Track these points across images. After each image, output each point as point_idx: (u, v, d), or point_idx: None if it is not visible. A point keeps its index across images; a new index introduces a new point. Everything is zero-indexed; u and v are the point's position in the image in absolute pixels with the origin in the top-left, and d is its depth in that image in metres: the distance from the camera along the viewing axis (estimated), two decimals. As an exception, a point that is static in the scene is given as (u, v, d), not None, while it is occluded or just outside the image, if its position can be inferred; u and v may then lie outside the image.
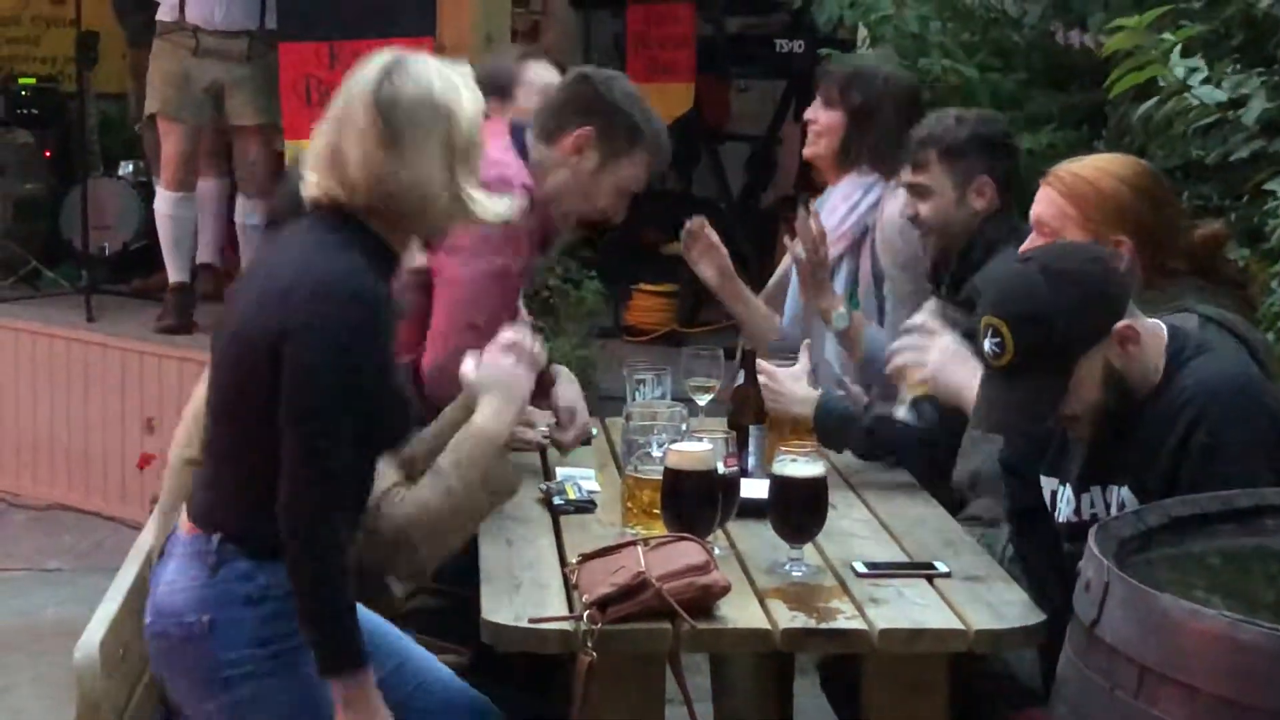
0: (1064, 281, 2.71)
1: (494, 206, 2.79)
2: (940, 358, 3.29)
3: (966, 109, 3.98)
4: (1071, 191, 3.18)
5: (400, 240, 2.76)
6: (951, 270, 3.70)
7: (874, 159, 4.04)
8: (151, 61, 6.56)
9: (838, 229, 4.02)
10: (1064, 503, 2.88)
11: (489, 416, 3.02)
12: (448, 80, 2.72)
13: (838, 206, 4.08)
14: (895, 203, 3.92)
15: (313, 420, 2.60)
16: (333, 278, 2.64)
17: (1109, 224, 3.13)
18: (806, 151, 4.13)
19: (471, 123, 2.73)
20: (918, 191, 3.73)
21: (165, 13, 6.49)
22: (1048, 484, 2.91)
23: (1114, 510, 2.74)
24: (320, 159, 2.71)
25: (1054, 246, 2.98)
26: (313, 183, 2.71)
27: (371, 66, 2.72)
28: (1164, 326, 2.79)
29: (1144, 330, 2.72)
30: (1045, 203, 3.23)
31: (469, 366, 3.11)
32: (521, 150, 3.62)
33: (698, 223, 4.13)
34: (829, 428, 3.48)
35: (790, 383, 3.51)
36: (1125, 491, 2.76)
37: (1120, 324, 2.69)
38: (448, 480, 2.97)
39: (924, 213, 3.73)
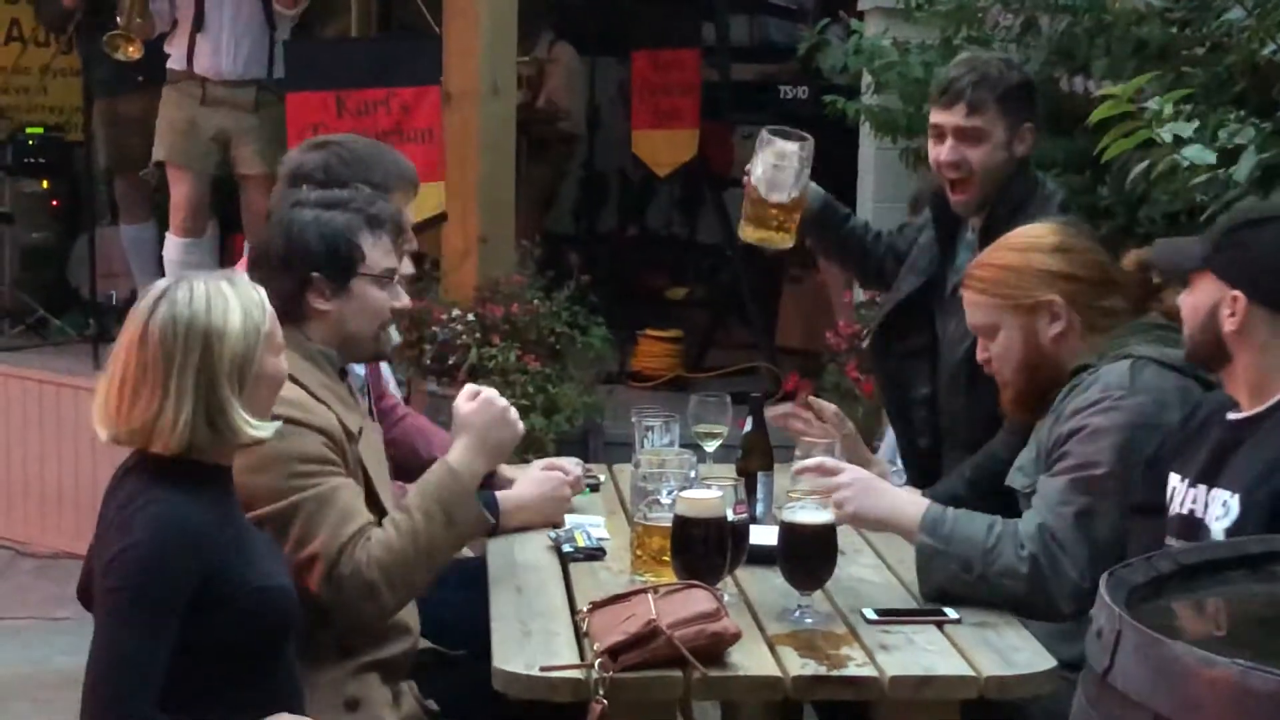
0: None
1: (263, 431, 2.77)
2: (853, 494, 3.08)
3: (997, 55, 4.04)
4: (988, 285, 3.25)
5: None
6: (984, 220, 3.70)
7: None
8: (161, 109, 6.61)
9: None
10: (1178, 497, 2.85)
11: (459, 455, 3.13)
12: (212, 302, 2.74)
13: None
14: None
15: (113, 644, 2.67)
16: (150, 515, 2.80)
17: (1035, 291, 3.20)
18: None
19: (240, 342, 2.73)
20: (970, 136, 3.67)
21: (174, 62, 6.54)
22: (1171, 479, 2.89)
23: (1215, 511, 2.73)
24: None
25: None
26: None
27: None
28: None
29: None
30: (971, 309, 3.30)
31: (460, 400, 3.18)
32: None
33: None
34: None
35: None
36: (1233, 499, 2.71)
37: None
38: (412, 519, 3.03)
39: (974, 159, 3.67)
